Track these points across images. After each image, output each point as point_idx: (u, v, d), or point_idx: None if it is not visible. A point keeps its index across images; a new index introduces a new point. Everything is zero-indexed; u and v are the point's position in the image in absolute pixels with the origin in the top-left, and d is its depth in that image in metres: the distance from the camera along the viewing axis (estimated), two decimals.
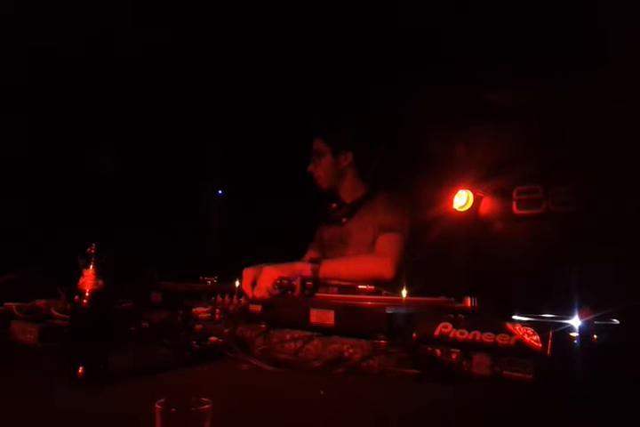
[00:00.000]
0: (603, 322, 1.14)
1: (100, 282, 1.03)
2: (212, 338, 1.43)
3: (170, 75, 3.59)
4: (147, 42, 3.38)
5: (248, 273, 1.97)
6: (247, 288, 1.91)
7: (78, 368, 0.99)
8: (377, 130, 2.68)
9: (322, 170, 2.34)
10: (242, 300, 1.68)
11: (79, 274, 1.53)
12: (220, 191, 4.53)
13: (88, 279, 1.02)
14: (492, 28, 2.89)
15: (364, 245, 2.21)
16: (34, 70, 3.19)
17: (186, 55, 3.55)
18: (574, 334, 1.06)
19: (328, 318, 1.36)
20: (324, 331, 1.35)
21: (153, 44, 3.42)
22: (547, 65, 2.88)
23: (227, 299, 1.71)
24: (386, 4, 3.10)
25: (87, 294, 1.01)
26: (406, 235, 2.17)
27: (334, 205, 2.38)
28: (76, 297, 1.01)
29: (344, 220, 2.34)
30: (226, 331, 1.51)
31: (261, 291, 1.83)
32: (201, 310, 1.67)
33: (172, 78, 3.60)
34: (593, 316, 1.11)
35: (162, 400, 0.65)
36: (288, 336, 1.39)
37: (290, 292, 1.67)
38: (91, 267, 1.03)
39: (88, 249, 1.03)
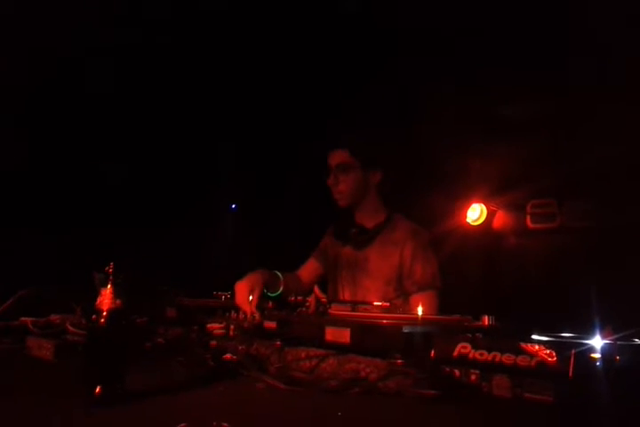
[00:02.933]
0: (625, 342, 1.12)
1: (118, 301, 1.03)
2: (227, 355, 1.43)
3: (185, 85, 3.62)
4: (163, 52, 3.42)
5: (243, 286, 1.85)
6: (244, 303, 1.78)
7: (95, 387, 0.99)
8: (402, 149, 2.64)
9: (346, 185, 2.17)
10: (256, 316, 1.67)
11: (94, 289, 1.53)
12: (233, 205, 4.54)
13: (106, 298, 1.02)
14: (507, 42, 2.90)
15: (381, 277, 2.16)
16: (41, 75, 3.22)
17: (200, 63, 3.58)
18: (596, 355, 1.04)
19: (343, 336, 1.35)
20: (339, 349, 1.34)
21: (169, 55, 3.46)
22: (560, 79, 2.88)
23: (241, 315, 1.71)
24: (406, 19, 3.13)
25: (105, 313, 1.01)
26: (440, 285, 2.12)
27: (355, 230, 2.23)
28: (94, 316, 1.02)
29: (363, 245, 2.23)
30: (240, 348, 1.51)
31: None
32: (215, 327, 1.67)
33: (186, 89, 3.63)
34: (615, 336, 1.09)
35: (182, 425, 0.64)
36: (303, 354, 1.38)
37: (304, 309, 1.66)
38: (108, 286, 1.03)
39: (106, 268, 1.03)
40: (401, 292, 2.14)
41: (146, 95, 3.53)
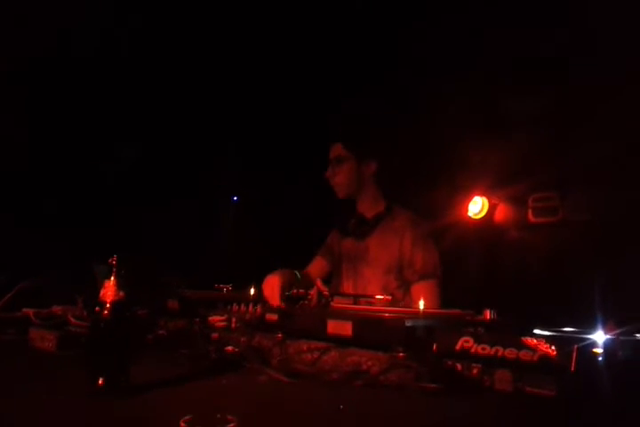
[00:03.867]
0: (628, 337, 1.12)
1: (121, 293, 1.03)
2: (229, 347, 1.43)
3: (187, 79, 3.61)
4: (164, 47, 3.41)
5: (275, 280, 1.91)
6: (274, 297, 1.84)
7: (98, 379, 0.99)
8: (399, 140, 2.65)
9: (342, 176, 2.23)
10: (257, 309, 1.67)
11: (94, 280, 1.53)
12: (235, 197, 4.53)
13: (109, 290, 1.02)
14: (506, 34, 2.88)
15: (381, 266, 2.17)
16: (48, 69, 3.22)
17: (203, 58, 3.57)
18: (598, 350, 1.04)
19: (345, 328, 1.35)
20: (340, 342, 1.34)
21: (169, 48, 3.44)
22: (561, 72, 2.87)
23: (243, 307, 1.71)
24: (401, 11, 3.11)
25: (108, 305, 1.01)
26: (440, 274, 2.13)
27: (353, 220, 2.28)
28: (97, 308, 1.02)
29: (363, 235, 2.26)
30: (242, 340, 1.51)
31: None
32: (217, 319, 1.67)
33: (188, 83, 3.62)
34: (618, 331, 1.09)
35: (187, 418, 0.64)
36: (305, 347, 1.38)
37: (306, 301, 1.66)
38: (112, 278, 1.03)
39: (109, 260, 1.03)
40: (402, 281, 2.15)
41: (147, 86, 3.52)
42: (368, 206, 2.28)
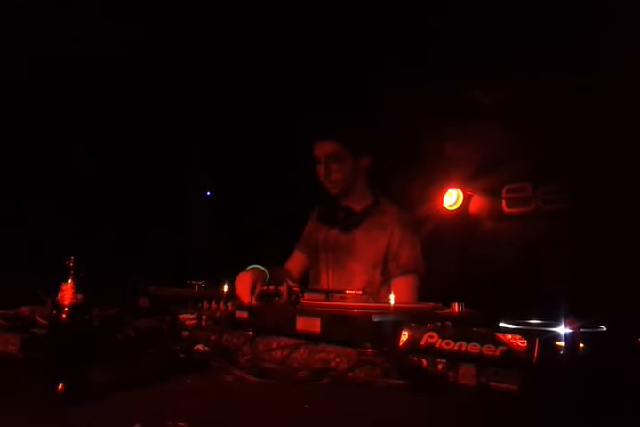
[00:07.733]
0: (589, 330, 1.13)
1: (79, 296, 1.00)
2: (199, 346, 1.42)
3: (156, 73, 3.56)
4: (124, 41, 3.36)
5: (246, 278, 1.83)
6: (245, 294, 1.76)
7: (58, 385, 0.97)
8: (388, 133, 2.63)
9: (341, 174, 2.17)
10: (229, 306, 1.66)
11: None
12: (208, 193, 4.49)
13: (66, 293, 1.00)
14: (479, 26, 2.88)
15: (368, 260, 2.17)
16: (16, 72, 3.16)
17: (174, 52, 3.52)
18: (560, 343, 1.05)
19: (314, 325, 1.35)
20: (310, 338, 1.33)
21: (131, 44, 3.39)
22: (535, 64, 2.88)
23: (214, 305, 1.69)
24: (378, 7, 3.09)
25: (66, 308, 0.99)
26: (423, 271, 2.14)
27: (342, 213, 2.26)
28: (55, 312, 0.99)
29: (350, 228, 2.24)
30: (212, 338, 1.50)
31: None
32: (187, 317, 1.65)
33: (159, 77, 3.57)
34: (580, 324, 1.10)
35: (137, 426, 0.63)
36: (274, 344, 1.38)
37: (276, 298, 1.65)
38: (69, 281, 1.00)
39: (66, 262, 1.00)
40: (386, 277, 2.15)
41: (118, 83, 3.47)
42: (356, 200, 2.26)
